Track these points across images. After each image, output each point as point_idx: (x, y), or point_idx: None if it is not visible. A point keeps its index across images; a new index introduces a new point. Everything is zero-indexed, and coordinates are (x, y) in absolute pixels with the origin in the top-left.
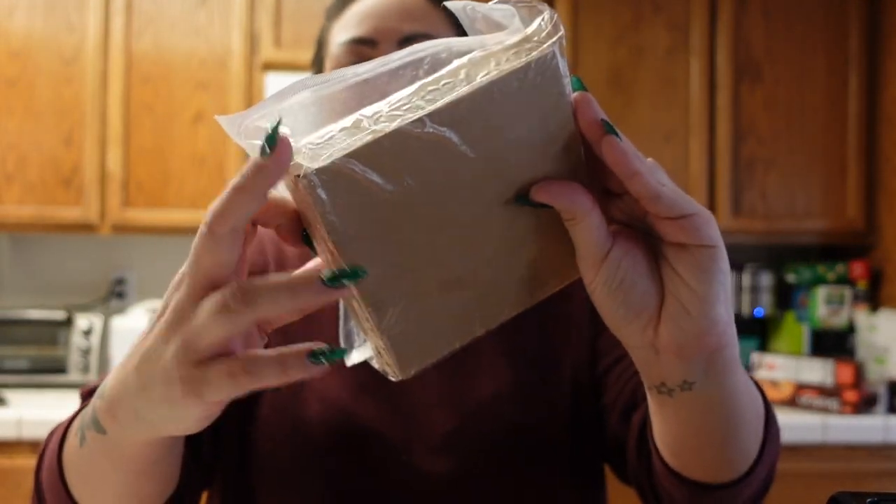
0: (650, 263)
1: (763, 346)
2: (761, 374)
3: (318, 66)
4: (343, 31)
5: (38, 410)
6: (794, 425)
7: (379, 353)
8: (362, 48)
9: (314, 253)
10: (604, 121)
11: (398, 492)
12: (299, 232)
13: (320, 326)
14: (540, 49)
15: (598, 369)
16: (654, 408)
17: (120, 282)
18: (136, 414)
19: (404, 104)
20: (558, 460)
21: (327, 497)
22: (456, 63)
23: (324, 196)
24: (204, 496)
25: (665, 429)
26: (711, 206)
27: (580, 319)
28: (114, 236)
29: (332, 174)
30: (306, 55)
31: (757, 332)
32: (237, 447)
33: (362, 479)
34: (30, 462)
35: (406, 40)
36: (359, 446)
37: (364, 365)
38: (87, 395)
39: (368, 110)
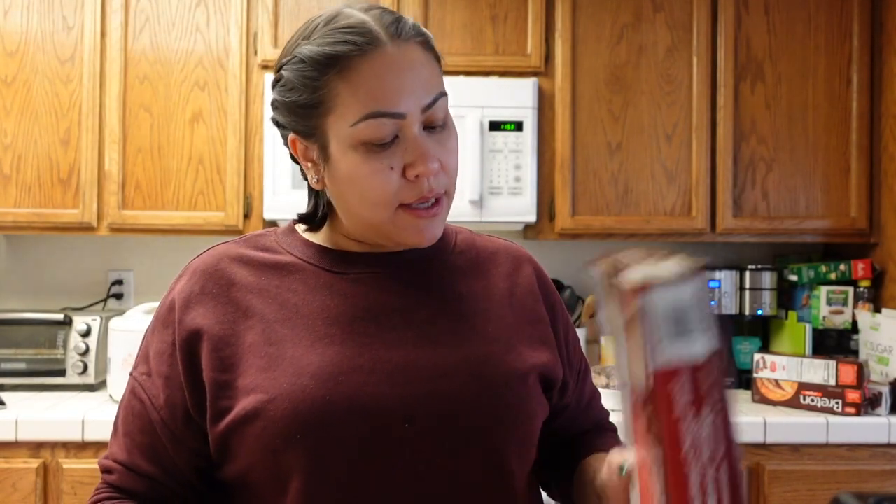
0: None
1: (765, 347)
2: (763, 375)
3: (308, 114)
4: (366, 102)
5: (36, 412)
6: (797, 425)
7: None
8: (391, 121)
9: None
10: None
11: (399, 454)
12: None
13: (304, 319)
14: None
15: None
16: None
17: (118, 283)
18: None
19: None
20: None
21: (335, 465)
22: None
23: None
24: None
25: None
26: (713, 205)
27: (540, 313)
28: (111, 237)
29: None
30: None
31: (759, 332)
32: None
33: (368, 446)
34: (27, 463)
35: (427, 108)
36: (362, 416)
37: (352, 342)
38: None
39: None
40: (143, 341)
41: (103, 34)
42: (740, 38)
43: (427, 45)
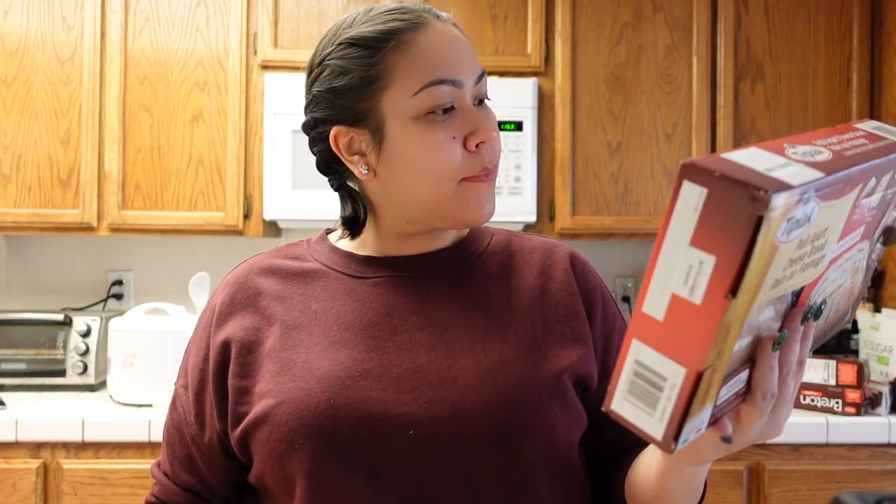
0: None
1: None
2: None
3: (361, 95)
4: (426, 71)
5: (36, 412)
6: (797, 425)
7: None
8: (450, 89)
9: None
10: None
11: (403, 462)
12: None
13: (321, 324)
14: None
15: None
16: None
17: (118, 283)
18: None
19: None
20: (543, 438)
21: (336, 471)
22: None
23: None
24: None
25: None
26: None
27: (578, 312)
28: (111, 237)
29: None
30: (305, 55)
31: None
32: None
33: (371, 453)
34: (27, 463)
35: (478, 80)
36: (365, 422)
37: (363, 346)
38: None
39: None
40: (185, 352)
41: (103, 34)
42: (740, 38)
43: (460, 30)
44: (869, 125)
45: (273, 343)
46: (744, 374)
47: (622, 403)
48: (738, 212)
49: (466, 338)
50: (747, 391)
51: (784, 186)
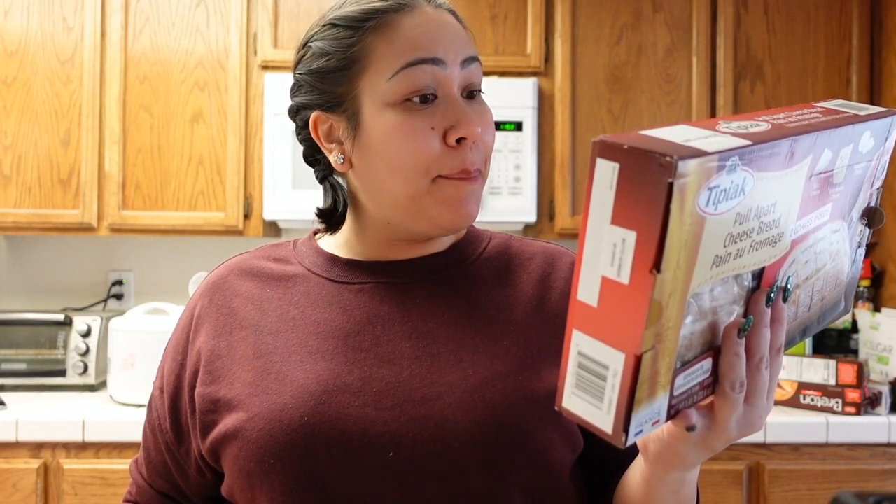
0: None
1: None
2: None
3: (339, 78)
4: (404, 52)
5: (36, 412)
6: (797, 425)
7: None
8: (431, 69)
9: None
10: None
11: (381, 487)
12: None
13: (299, 333)
14: None
15: None
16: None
17: (118, 283)
18: None
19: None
20: (537, 454)
21: (308, 495)
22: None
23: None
24: None
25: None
26: None
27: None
28: (112, 237)
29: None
30: None
31: None
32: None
33: (347, 476)
34: (27, 464)
35: (465, 62)
36: (342, 442)
37: (343, 358)
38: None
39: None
40: (164, 351)
41: (103, 35)
42: (740, 38)
43: (458, 18)
44: (831, 103)
45: (245, 350)
46: (706, 363)
47: (572, 399)
48: (650, 182)
49: (454, 351)
50: (715, 381)
51: (696, 153)
